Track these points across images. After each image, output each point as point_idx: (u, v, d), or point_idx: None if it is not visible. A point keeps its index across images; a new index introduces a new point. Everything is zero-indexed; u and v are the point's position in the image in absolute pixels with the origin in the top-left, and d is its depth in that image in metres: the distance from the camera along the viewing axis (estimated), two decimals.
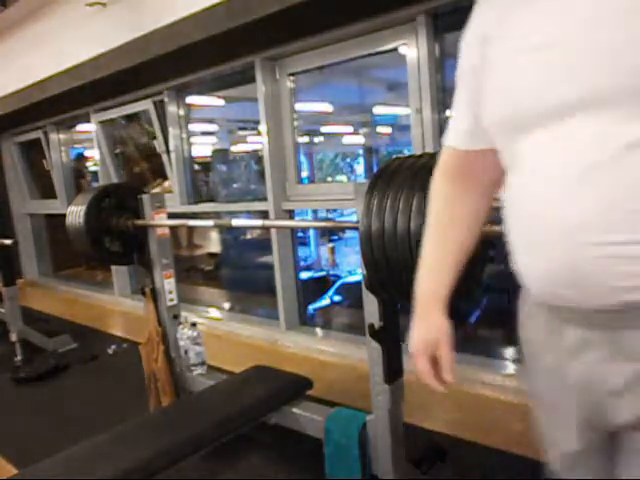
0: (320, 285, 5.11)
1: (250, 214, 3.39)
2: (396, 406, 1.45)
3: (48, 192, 4.93)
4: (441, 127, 2.28)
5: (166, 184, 3.87)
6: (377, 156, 5.55)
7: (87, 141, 4.64)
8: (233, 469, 1.97)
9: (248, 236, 4.82)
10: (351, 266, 6.45)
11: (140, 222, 2.18)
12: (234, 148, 4.53)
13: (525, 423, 2.00)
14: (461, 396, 2.20)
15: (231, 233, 4.76)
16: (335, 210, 6.29)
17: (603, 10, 0.63)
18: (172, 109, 3.40)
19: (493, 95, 0.76)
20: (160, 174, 3.91)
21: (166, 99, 3.38)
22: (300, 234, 6.01)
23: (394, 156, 1.16)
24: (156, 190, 3.93)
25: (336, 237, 7.70)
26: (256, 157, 3.42)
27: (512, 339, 2.86)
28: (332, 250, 6.89)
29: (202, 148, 3.94)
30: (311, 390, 1.78)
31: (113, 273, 4.27)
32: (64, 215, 2.16)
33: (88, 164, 5.04)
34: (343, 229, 5.08)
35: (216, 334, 3.15)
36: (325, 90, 3.77)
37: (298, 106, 2.86)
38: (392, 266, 1.05)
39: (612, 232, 0.64)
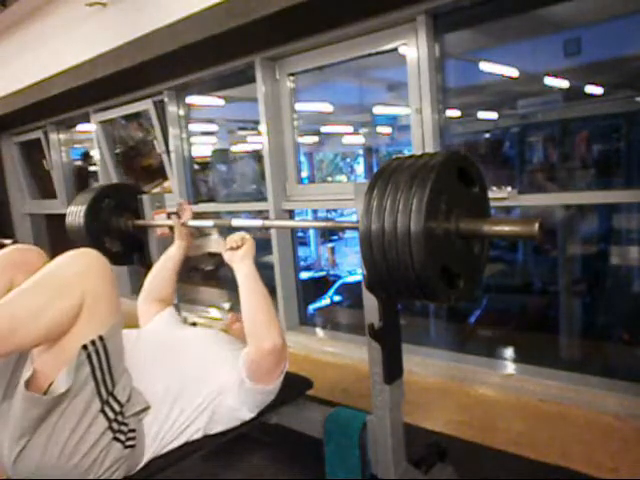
0: (320, 285, 5.10)
1: (250, 214, 3.39)
2: (396, 406, 1.45)
3: (48, 192, 4.93)
4: (441, 127, 2.28)
5: (166, 184, 3.87)
6: (377, 156, 5.55)
7: (87, 141, 4.64)
8: (233, 469, 1.97)
9: None
10: (351, 266, 6.45)
11: (140, 222, 2.18)
12: (234, 148, 4.53)
13: (525, 423, 2.01)
14: (461, 396, 2.20)
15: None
16: (335, 210, 6.29)
17: None
18: (172, 109, 3.40)
19: None
20: (160, 174, 3.91)
21: (166, 99, 3.38)
22: (300, 234, 6.01)
23: (394, 156, 1.16)
24: (156, 190, 3.93)
25: (336, 237, 7.70)
26: (256, 157, 3.42)
27: (512, 339, 2.87)
28: (332, 250, 6.89)
29: (202, 148, 3.93)
30: (311, 390, 1.78)
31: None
32: (64, 215, 2.16)
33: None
34: (343, 229, 5.08)
35: None
36: (325, 90, 3.77)
37: (298, 106, 2.86)
38: (392, 266, 1.05)
39: None
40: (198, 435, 1.38)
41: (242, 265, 1.52)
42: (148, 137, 3.98)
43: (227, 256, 1.56)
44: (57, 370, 1.12)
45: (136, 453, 1.25)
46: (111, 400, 1.18)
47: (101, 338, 1.14)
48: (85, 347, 1.12)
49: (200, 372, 1.42)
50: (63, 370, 1.11)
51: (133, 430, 1.23)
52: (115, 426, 1.18)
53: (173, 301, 1.92)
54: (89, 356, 1.12)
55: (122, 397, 1.20)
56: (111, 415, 1.17)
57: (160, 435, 1.31)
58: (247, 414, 1.44)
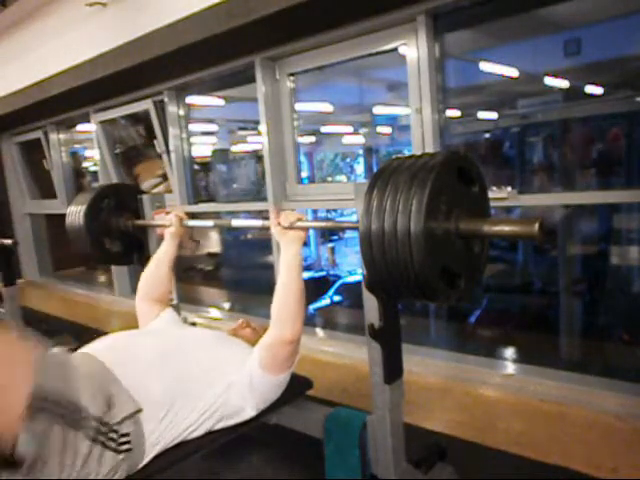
0: (320, 285, 5.11)
1: (250, 214, 3.39)
2: (396, 406, 1.45)
3: (48, 192, 4.93)
4: (441, 127, 2.28)
5: (161, 187, 3.88)
6: (377, 156, 5.56)
7: (87, 141, 4.64)
8: (233, 469, 1.97)
9: (248, 236, 4.82)
10: (351, 266, 6.46)
11: (140, 222, 2.18)
12: (234, 148, 4.53)
13: (525, 423, 2.01)
14: (461, 396, 2.20)
15: (231, 233, 4.76)
16: (335, 210, 6.29)
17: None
18: (172, 109, 3.40)
19: None
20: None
21: (166, 99, 3.38)
22: None
23: (394, 156, 1.16)
24: (157, 190, 3.94)
25: (336, 237, 7.71)
26: (256, 157, 3.42)
27: (512, 339, 2.86)
28: (332, 250, 6.89)
29: (202, 148, 3.93)
30: (311, 390, 1.78)
31: (113, 273, 4.27)
32: (64, 215, 2.16)
33: (86, 164, 5.05)
34: (343, 229, 5.08)
35: None
36: (325, 90, 3.77)
37: (298, 106, 2.86)
38: (392, 266, 1.05)
39: None
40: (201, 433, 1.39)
41: (292, 246, 1.51)
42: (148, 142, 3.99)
43: (277, 230, 1.53)
44: (12, 427, 1.05)
45: (136, 454, 1.25)
46: (86, 422, 1.16)
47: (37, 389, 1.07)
48: (29, 407, 1.04)
49: (205, 372, 1.42)
50: (21, 436, 1.05)
51: (126, 434, 1.22)
52: (101, 438, 1.17)
53: (170, 300, 1.93)
54: (36, 410, 1.06)
55: (96, 411, 1.18)
56: (91, 433, 1.16)
57: (163, 435, 1.31)
58: (250, 412, 1.44)
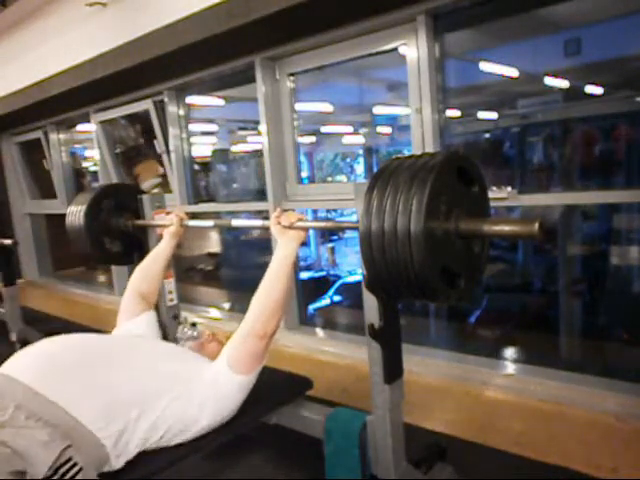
0: (320, 285, 5.11)
1: (250, 214, 3.39)
2: (396, 406, 1.45)
3: (48, 192, 4.93)
4: (441, 127, 2.28)
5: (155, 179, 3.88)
6: (377, 156, 5.55)
7: (87, 141, 4.64)
8: (233, 469, 1.97)
9: (248, 236, 4.82)
10: (351, 266, 6.45)
11: (140, 222, 2.18)
12: (234, 148, 4.53)
13: (525, 423, 2.01)
14: (461, 396, 2.20)
15: (231, 233, 4.76)
16: (335, 210, 6.29)
17: None
18: (172, 109, 3.40)
19: None
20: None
21: (166, 99, 3.38)
22: None
23: (394, 156, 1.16)
24: (155, 190, 3.94)
25: (336, 237, 7.70)
26: (256, 157, 3.42)
27: (512, 339, 2.86)
28: (332, 250, 6.89)
29: (202, 148, 3.94)
30: (311, 390, 1.78)
31: (113, 273, 4.28)
32: (64, 215, 2.16)
33: (86, 164, 5.05)
34: (343, 229, 5.08)
35: None
36: (325, 90, 3.77)
37: (298, 106, 2.86)
38: (392, 266, 1.05)
39: None
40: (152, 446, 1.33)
41: (289, 245, 1.51)
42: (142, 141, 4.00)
43: (276, 229, 1.53)
44: None
45: (92, 462, 1.19)
46: None
47: None
48: None
49: (158, 385, 1.36)
50: None
51: (67, 461, 1.12)
52: None
53: (155, 300, 1.92)
54: None
55: None
56: None
57: (126, 439, 1.27)
58: (203, 424, 1.37)
